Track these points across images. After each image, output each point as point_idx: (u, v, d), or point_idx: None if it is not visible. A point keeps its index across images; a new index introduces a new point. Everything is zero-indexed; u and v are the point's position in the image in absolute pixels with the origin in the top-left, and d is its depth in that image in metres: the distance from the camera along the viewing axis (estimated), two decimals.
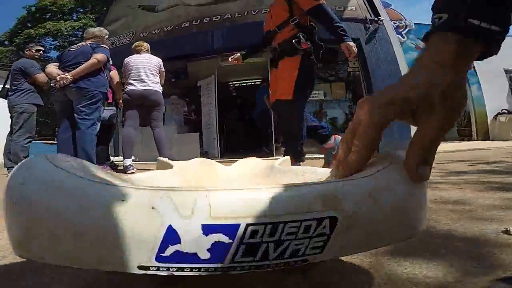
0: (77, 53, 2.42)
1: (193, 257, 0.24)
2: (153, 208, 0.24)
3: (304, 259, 0.26)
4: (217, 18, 6.20)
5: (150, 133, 2.90)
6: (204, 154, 4.78)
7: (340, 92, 6.15)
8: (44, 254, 0.25)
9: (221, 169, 0.88)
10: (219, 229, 0.23)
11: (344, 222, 0.26)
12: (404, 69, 5.37)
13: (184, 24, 6.62)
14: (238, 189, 0.26)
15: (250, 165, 0.92)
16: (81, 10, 20.62)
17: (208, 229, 0.23)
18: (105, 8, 9.80)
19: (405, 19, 7.74)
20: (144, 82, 2.80)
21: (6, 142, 2.77)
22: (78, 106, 2.26)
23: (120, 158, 4.14)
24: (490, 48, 0.30)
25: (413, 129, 0.32)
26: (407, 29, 7.65)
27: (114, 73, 3.01)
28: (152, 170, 0.76)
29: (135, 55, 2.99)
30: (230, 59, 1.96)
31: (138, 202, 0.24)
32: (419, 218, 0.32)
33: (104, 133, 2.92)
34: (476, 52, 0.30)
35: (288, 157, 1.05)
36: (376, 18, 5.78)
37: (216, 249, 0.24)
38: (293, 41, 1.53)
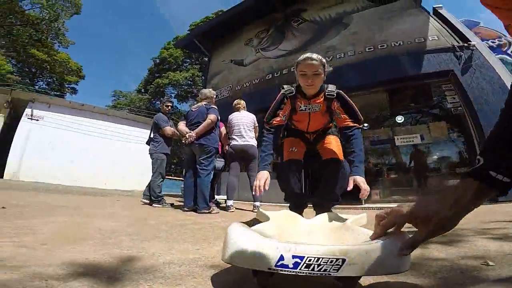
0: (197, 113, 3.28)
1: (286, 266, 0.66)
2: (277, 248, 0.68)
3: (329, 273, 0.65)
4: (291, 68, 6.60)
5: (244, 178, 3.53)
6: None
7: (441, 131, 5.41)
8: (236, 260, 0.72)
9: (303, 222, 1.29)
10: (297, 257, 0.66)
11: (349, 261, 0.64)
12: None
13: (268, 76, 7.37)
14: (304, 243, 0.68)
15: (326, 220, 1.29)
16: (188, 61, 24.81)
17: (293, 257, 0.66)
18: (206, 58, 11.32)
19: (505, 35, 6.50)
20: (243, 137, 3.51)
21: (150, 180, 3.86)
22: (200, 158, 3.08)
23: (221, 196, 4.97)
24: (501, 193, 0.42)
25: None
26: None
27: (223, 129, 3.86)
28: (245, 210, 1.17)
29: (236, 113, 3.73)
30: (260, 192, 1.58)
31: (271, 245, 0.69)
32: (400, 265, 0.66)
33: (213, 178, 3.71)
34: (490, 195, 0.41)
35: (363, 215, 1.37)
36: (466, 44, 5.01)
37: (295, 264, 0.66)
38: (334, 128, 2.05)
